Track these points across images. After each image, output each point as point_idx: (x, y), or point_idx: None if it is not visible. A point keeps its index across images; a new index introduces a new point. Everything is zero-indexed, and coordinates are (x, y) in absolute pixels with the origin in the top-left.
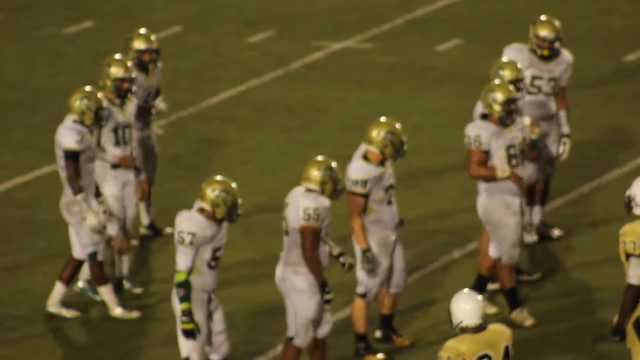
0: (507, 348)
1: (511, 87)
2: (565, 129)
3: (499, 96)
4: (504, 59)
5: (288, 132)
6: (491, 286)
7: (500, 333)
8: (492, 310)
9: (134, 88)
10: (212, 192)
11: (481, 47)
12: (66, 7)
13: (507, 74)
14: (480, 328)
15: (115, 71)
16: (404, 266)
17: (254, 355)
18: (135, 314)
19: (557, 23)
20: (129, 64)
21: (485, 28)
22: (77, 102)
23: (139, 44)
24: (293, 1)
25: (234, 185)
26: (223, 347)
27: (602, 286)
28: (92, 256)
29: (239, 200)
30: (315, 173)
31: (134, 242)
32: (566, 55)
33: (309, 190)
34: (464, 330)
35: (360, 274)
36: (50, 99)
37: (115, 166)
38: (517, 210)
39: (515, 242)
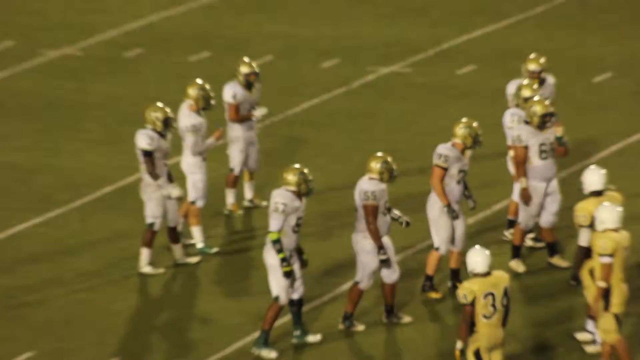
0: (505, 289)
1: (547, 102)
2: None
3: (538, 110)
4: (535, 97)
5: (350, 132)
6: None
7: (501, 277)
8: (521, 269)
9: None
10: (294, 176)
11: (491, 71)
12: (192, 40)
13: (538, 109)
14: (487, 274)
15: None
16: (464, 231)
17: (323, 294)
18: (161, 270)
19: (542, 59)
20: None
21: (494, 56)
22: (150, 114)
23: (244, 69)
24: (354, 36)
25: (306, 170)
26: (300, 289)
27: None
28: (151, 225)
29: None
30: (375, 165)
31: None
32: (550, 79)
33: (371, 178)
34: (475, 275)
35: (432, 233)
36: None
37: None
38: (541, 193)
39: (531, 214)
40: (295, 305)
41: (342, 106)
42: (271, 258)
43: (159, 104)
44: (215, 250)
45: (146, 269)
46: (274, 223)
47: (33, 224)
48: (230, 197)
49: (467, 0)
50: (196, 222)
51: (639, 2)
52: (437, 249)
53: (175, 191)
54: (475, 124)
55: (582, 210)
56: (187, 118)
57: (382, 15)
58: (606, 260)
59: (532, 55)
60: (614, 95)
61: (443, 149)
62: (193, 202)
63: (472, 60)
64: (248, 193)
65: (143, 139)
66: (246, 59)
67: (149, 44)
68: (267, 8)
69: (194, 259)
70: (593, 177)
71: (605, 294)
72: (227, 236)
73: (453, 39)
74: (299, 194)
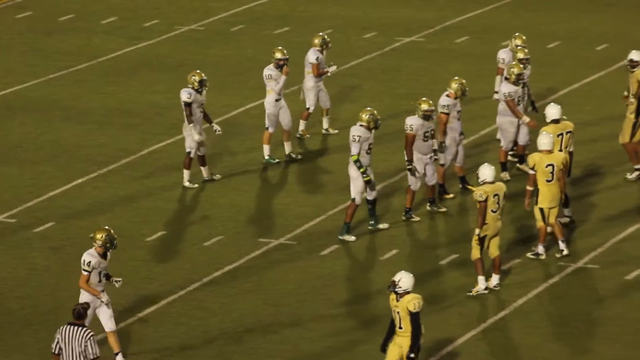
0: (505, 193)
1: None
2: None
3: (516, 70)
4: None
5: (382, 81)
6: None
7: (501, 185)
8: (506, 177)
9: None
10: (366, 115)
11: (479, 40)
12: (276, 19)
13: (515, 70)
14: (493, 182)
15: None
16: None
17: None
18: (196, 185)
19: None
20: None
21: (481, 30)
22: (190, 77)
23: (317, 40)
24: (386, 16)
25: (375, 111)
26: (373, 192)
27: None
28: (188, 153)
29: (378, 119)
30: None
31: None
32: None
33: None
34: (485, 182)
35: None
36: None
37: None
38: (516, 124)
39: (509, 140)
40: (371, 203)
41: (377, 64)
42: (353, 171)
43: (197, 70)
44: (277, 160)
45: (186, 183)
46: (354, 149)
47: None
48: (302, 125)
49: None
50: (267, 142)
51: None
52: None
53: (196, 135)
54: (464, 81)
55: (544, 131)
56: (266, 70)
57: (405, 3)
58: (531, 171)
59: (517, 34)
60: (562, 57)
61: (444, 100)
62: (267, 129)
63: (466, 33)
64: (325, 124)
65: (184, 94)
66: (321, 33)
67: (248, 22)
68: None
69: (217, 176)
70: (553, 110)
71: (533, 194)
72: (311, 157)
73: (453, 18)
74: (369, 128)
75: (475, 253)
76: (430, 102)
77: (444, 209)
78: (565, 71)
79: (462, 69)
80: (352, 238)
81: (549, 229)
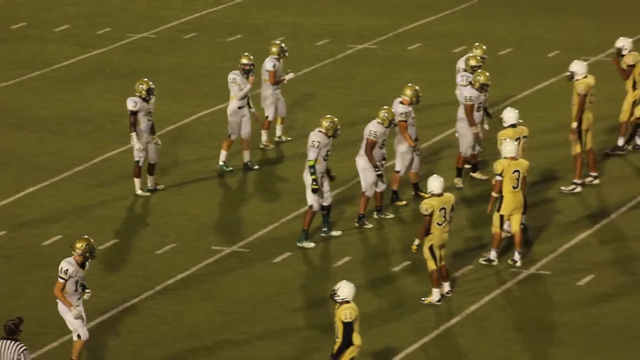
0: (452, 205)
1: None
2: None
3: (482, 79)
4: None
5: (336, 89)
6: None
7: (449, 197)
8: (459, 184)
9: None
10: (326, 122)
11: (431, 47)
12: (229, 27)
13: (481, 79)
14: (440, 194)
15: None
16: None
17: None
18: (149, 193)
19: (484, 47)
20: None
21: (432, 37)
22: (137, 86)
23: (274, 48)
24: (339, 24)
25: (335, 119)
26: (329, 198)
27: None
28: (137, 162)
29: (338, 128)
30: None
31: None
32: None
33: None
34: (433, 194)
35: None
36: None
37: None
38: (473, 131)
39: (468, 145)
40: (325, 209)
41: (330, 71)
42: (308, 178)
43: (145, 79)
44: (231, 168)
45: (139, 192)
46: (311, 154)
47: None
48: (264, 136)
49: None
50: (225, 148)
51: None
52: (310, 206)
53: (136, 144)
54: (417, 87)
55: (503, 135)
56: (231, 74)
57: (357, 10)
58: (498, 178)
59: (478, 44)
60: (514, 64)
61: (400, 107)
62: (229, 136)
63: (418, 40)
64: (278, 132)
65: (129, 103)
66: (277, 41)
67: (201, 30)
68: (278, 5)
69: (161, 186)
70: (510, 114)
71: (495, 201)
72: (264, 164)
73: (406, 25)
74: (327, 135)
75: (431, 264)
76: (393, 110)
77: (391, 216)
78: (517, 78)
79: (415, 76)
80: (311, 245)
81: (503, 235)
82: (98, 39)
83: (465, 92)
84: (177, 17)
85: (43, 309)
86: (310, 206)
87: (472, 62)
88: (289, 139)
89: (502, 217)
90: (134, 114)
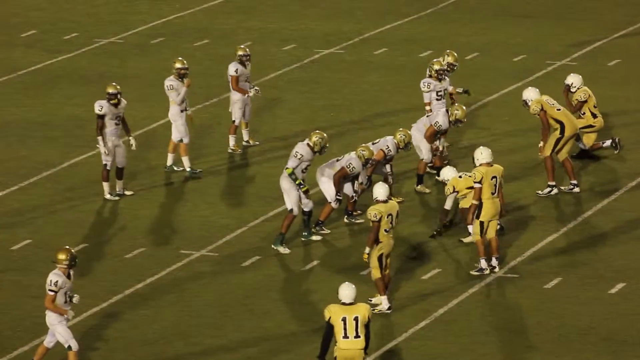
0: (397, 212)
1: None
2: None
3: (436, 67)
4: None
5: (302, 93)
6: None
7: (394, 204)
8: (427, 190)
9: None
10: (317, 138)
11: (397, 52)
12: (196, 31)
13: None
14: (386, 201)
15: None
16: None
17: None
18: (117, 197)
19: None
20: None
21: (398, 42)
22: (109, 89)
23: (240, 52)
24: (305, 29)
25: (325, 135)
26: (310, 204)
27: None
28: (105, 166)
29: (326, 145)
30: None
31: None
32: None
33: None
34: (378, 201)
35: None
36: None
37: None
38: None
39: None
40: (307, 214)
41: (297, 76)
42: (285, 183)
43: (113, 83)
44: (200, 170)
45: (107, 196)
46: (291, 162)
47: None
48: (232, 140)
49: (381, 4)
50: (185, 154)
51: (498, 4)
52: (291, 210)
53: (102, 148)
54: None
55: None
56: (167, 81)
57: (323, 15)
58: (477, 185)
59: (449, 51)
60: (480, 68)
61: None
62: (180, 140)
63: (384, 45)
64: (245, 136)
65: (96, 106)
66: (242, 46)
67: (168, 34)
68: (245, 10)
69: (128, 192)
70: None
71: (476, 209)
72: (232, 168)
73: (372, 30)
74: (313, 150)
75: (377, 273)
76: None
77: (361, 220)
78: (483, 82)
79: (381, 80)
80: (287, 250)
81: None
82: (65, 44)
83: (438, 118)
84: (144, 22)
85: (12, 313)
86: (291, 210)
87: (436, 67)
88: (257, 143)
89: (482, 223)
90: (101, 117)
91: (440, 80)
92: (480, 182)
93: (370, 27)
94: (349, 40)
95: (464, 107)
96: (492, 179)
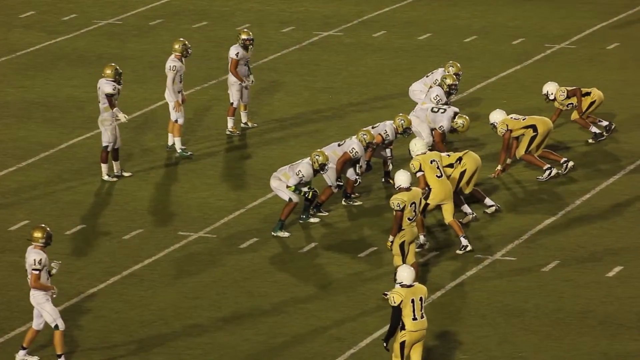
0: (420, 200)
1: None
2: None
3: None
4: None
5: (301, 75)
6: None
7: (418, 191)
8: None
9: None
10: (318, 156)
11: (395, 34)
12: (194, 13)
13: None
14: (409, 189)
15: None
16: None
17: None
18: (115, 179)
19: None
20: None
21: (397, 25)
22: (109, 71)
23: (243, 36)
24: (304, 11)
25: (326, 154)
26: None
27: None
28: (105, 147)
29: (325, 163)
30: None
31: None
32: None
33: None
34: (401, 189)
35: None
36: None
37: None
38: None
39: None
40: (308, 201)
41: (295, 58)
42: (274, 183)
43: (113, 64)
44: (190, 153)
45: (105, 177)
46: (292, 181)
47: None
48: (230, 123)
49: None
50: (178, 135)
51: None
52: (290, 200)
53: (122, 117)
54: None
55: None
56: (170, 62)
57: None
58: (419, 174)
59: (452, 62)
60: (478, 51)
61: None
62: (176, 121)
63: (383, 27)
64: (244, 118)
65: (108, 87)
66: (246, 30)
67: (166, 16)
68: None
69: (127, 174)
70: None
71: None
72: (230, 150)
73: (371, 13)
74: (314, 169)
75: (397, 260)
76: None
77: (359, 203)
78: (481, 65)
79: (379, 63)
80: (286, 234)
81: (465, 220)
82: (63, 25)
83: (444, 122)
84: (143, 3)
85: (10, 294)
86: (290, 199)
87: (449, 81)
88: (255, 125)
89: (427, 205)
90: (112, 96)
91: (450, 94)
92: (421, 170)
93: (369, 10)
94: (347, 22)
95: (467, 118)
96: (432, 163)
